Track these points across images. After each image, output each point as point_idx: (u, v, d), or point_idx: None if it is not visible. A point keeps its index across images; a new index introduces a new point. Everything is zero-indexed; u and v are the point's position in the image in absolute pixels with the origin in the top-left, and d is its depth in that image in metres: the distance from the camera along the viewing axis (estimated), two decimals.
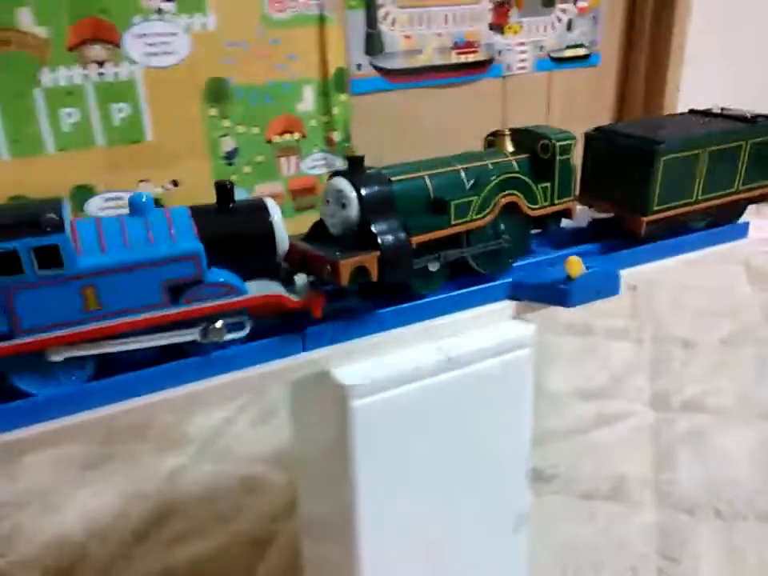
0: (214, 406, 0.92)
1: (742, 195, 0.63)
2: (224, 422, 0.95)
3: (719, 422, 0.93)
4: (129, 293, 0.39)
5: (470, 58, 1.31)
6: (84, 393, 0.40)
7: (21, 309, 0.37)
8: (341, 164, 1.18)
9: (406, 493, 0.48)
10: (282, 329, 0.45)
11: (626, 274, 0.56)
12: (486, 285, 0.51)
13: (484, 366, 0.48)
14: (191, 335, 0.42)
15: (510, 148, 0.55)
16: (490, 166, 0.52)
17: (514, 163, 0.53)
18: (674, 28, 1.50)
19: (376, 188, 0.46)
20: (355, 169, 0.46)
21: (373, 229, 0.44)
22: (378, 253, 0.44)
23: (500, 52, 1.35)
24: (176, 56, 0.98)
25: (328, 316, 0.45)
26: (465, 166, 0.51)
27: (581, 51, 1.47)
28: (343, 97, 1.15)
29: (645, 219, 0.57)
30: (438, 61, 1.27)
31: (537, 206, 0.53)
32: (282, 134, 1.11)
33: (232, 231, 0.43)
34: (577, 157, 0.57)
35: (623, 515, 0.77)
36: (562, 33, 1.42)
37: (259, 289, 0.43)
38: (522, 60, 1.39)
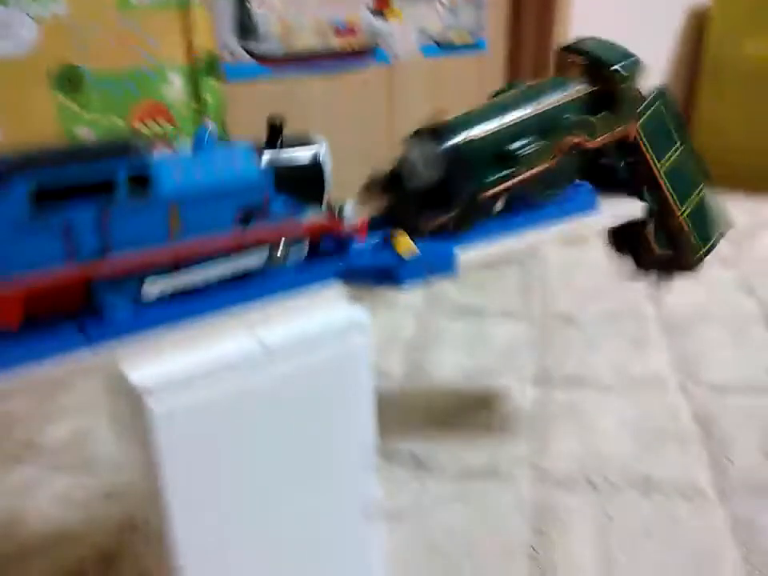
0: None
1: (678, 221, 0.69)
2: (86, 428, 0.88)
3: (595, 396, 0.95)
4: (208, 217, 0.43)
5: (352, 41, 1.28)
6: None
7: (113, 229, 0.39)
8: None
9: (231, 496, 0.45)
10: None
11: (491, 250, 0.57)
12: (315, 267, 0.49)
13: (312, 357, 0.45)
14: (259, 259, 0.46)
15: (575, 74, 0.57)
16: (556, 108, 0.54)
17: (580, 98, 0.56)
18: (557, 14, 1.53)
19: (453, 148, 0.49)
20: (432, 129, 0.49)
21: (451, 189, 0.48)
22: (456, 211, 0.48)
23: (383, 37, 1.33)
24: (21, 43, 0.91)
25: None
26: (533, 110, 0.53)
27: (466, 36, 1.47)
28: (214, 83, 1.10)
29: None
30: (317, 45, 1.23)
31: (596, 138, 0.56)
32: (147, 121, 1.05)
33: (286, 164, 0.46)
34: None
35: (499, 495, 0.77)
36: (445, 18, 1.42)
37: (314, 216, 0.47)
38: (407, 45, 1.38)
